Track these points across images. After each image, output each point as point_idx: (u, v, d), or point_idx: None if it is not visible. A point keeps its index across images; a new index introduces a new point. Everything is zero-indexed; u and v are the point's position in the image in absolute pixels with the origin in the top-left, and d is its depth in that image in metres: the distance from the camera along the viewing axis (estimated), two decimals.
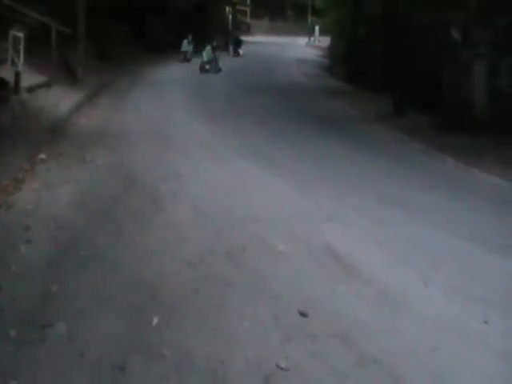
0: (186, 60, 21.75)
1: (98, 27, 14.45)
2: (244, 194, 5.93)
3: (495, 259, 4.61)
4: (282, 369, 2.94)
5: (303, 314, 3.47)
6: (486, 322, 3.56)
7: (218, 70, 18.57)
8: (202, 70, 18.57)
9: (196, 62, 19.96)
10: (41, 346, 3.02)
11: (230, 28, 34.86)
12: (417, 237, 5.02)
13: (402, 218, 5.48)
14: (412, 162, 8.31)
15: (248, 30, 43.20)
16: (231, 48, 26.42)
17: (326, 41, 27.20)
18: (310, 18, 39.89)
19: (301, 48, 32.45)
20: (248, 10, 45.73)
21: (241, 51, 26.14)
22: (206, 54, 19.08)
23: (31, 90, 9.60)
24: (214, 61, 19.04)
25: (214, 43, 20.69)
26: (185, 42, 22.27)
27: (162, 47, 21.83)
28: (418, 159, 8.55)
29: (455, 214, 5.77)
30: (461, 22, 10.83)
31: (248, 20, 45.89)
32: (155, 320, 3.31)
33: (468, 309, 3.72)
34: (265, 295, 3.73)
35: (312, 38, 36.27)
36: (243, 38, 34.74)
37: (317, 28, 34.97)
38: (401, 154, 8.86)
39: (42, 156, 6.64)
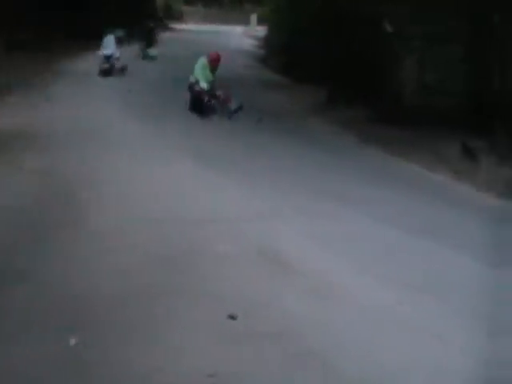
0: (111, 71, 14.00)
1: (6, 10, 12.68)
2: (182, 196, 5.94)
3: (430, 248, 4.91)
4: (214, 376, 2.96)
5: (233, 317, 3.53)
6: (400, 304, 3.82)
7: (236, 110, 10.18)
8: (195, 108, 10.17)
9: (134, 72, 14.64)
10: None
11: (161, 15, 34.30)
12: (353, 230, 5.28)
13: (338, 213, 5.71)
14: (347, 154, 8.65)
15: (181, 18, 42.71)
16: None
17: (263, 30, 27.28)
18: (246, 6, 39.83)
19: (237, 37, 32.30)
20: None
21: (154, 51, 17.84)
22: (202, 73, 10.33)
23: None
24: (216, 88, 10.34)
25: (205, 57, 10.74)
26: (109, 39, 14.34)
27: (95, 35, 15.79)
28: (353, 152, 8.90)
29: (388, 205, 6.07)
30: (395, 16, 11.25)
31: (181, 7, 45.32)
32: (81, 337, 3.22)
33: (401, 297, 3.94)
34: (202, 300, 3.77)
35: (249, 27, 36.26)
36: (176, 26, 34.33)
37: (254, 17, 34.97)
38: (337, 147, 9.20)
39: None
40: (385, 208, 5.91)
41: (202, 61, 10.58)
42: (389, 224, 5.37)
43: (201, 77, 10.32)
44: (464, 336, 3.53)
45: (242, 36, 34.24)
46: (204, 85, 10.22)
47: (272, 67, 19.05)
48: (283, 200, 5.99)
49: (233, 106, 10.18)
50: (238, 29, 37.37)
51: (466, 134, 8.52)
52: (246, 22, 37.25)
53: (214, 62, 10.64)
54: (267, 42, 22.74)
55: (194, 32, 32.65)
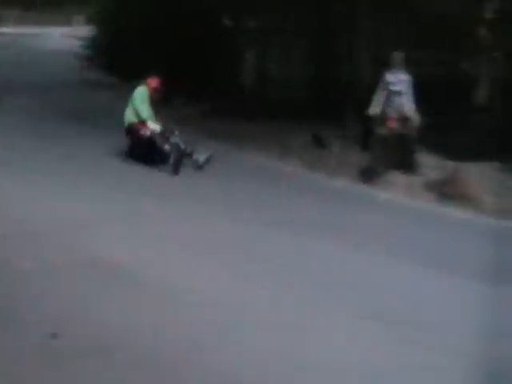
0: None
1: None
2: None
3: (289, 238, 4.78)
4: None
5: (54, 336, 3.08)
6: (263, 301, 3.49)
7: (206, 162, 7.42)
8: (141, 156, 7.50)
9: None
10: None
11: None
12: (195, 229, 4.98)
13: (161, 212, 5.35)
14: None
15: None
16: None
17: (90, 30, 26.54)
18: (71, 8, 38.49)
19: (59, 38, 31.25)
20: None
21: None
22: (146, 108, 7.57)
23: None
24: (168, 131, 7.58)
25: (144, 86, 7.75)
26: None
27: None
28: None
29: (241, 201, 5.95)
30: (234, 10, 11.23)
31: None
32: None
33: (257, 293, 3.72)
34: (16, 322, 3.23)
35: (71, 28, 35.06)
36: None
37: (79, 17, 33.98)
38: None
39: None
40: (239, 204, 5.80)
41: (142, 91, 7.62)
42: (244, 219, 5.19)
43: (146, 114, 7.49)
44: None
45: (66, 37, 33.21)
46: (155, 126, 7.45)
47: (99, 67, 18.32)
48: (116, 206, 5.55)
49: (200, 156, 7.45)
50: (60, 30, 36.52)
51: (314, 125, 8.63)
52: (70, 23, 36.17)
53: (156, 90, 7.78)
54: (93, 43, 21.88)
55: (12, 35, 31.22)
